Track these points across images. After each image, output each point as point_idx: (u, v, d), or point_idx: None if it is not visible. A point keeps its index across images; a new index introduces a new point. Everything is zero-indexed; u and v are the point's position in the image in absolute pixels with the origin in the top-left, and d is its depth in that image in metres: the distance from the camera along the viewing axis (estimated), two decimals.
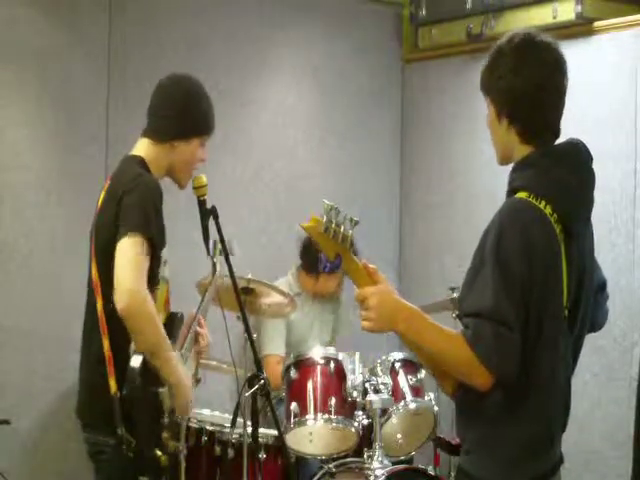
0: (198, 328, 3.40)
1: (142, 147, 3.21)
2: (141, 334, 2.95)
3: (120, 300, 2.89)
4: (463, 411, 2.48)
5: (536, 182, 2.40)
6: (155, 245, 3.01)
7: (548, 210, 2.38)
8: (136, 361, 2.98)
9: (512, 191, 2.44)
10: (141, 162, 3.16)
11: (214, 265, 3.57)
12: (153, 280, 3.07)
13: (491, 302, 2.31)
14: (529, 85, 2.44)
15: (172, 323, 3.22)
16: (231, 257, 3.35)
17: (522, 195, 2.39)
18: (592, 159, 2.51)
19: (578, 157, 2.49)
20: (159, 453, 3.02)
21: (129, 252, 2.93)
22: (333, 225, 2.31)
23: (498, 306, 2.31)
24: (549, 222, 2.38)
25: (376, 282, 2.41)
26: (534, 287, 2.34)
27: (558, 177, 2.42)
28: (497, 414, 2.39)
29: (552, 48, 2.47)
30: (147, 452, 3.00)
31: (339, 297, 5.05)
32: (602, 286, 2.64)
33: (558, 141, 2.51)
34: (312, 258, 4.73)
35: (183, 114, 3.21)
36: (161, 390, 3.05)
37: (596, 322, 2.63)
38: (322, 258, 2.35)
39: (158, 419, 3.05)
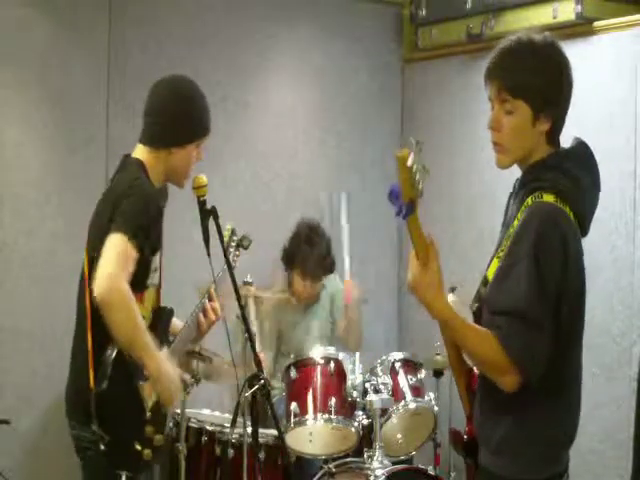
0: (207, 303, 3.42)
1: (140, 153, 3.21)
2: (117, 322, 2.94)
3: (98, 286, 2.90)
4: (489, 410, 2.51)
5: (560, 185, 2.43)
6: (143, 252, 3.02)
7: (571, 215, 2.42)
8: (111, 354, 2.98)
9: (534, 190, 2.45)
10: (141, 165, 3.17)
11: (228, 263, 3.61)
12: (140, 286, 3.07)
13: (525, 302, 2.34)
14: (569, 86, 2.51)
15: (160, 316, 3.23)
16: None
17: (549, 199, 2.41)
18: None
19: (590, 157, 2.54)
20: (139, 447, 3.02)
21: (114, 247, 2.94)
22: (416, 164, 2.26)
23: (531, 306, 2.34)
24: (575, 227, 2.43)
25: (428, 254, 2.37)
26: (567, 292, 2.38)
27: (576, 179, 2.46)
28: (528, 413, 2.44)
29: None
30: (125, 446, 3.00)
31: (320, 299, 5.02)
32: None
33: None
34: (294, 252, 4.82)
35: (177, 121, 3.20)
36: (141, 383, 3.05)
37: None
38: (396, 202, 2.29)
39: (139, 413, 3.05)
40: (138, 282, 3.04)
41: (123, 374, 3.00)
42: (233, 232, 3.76)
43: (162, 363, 3.05)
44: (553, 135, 2.51)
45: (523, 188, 2.51)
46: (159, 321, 3.21)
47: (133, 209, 3.01)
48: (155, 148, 3.19)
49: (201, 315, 3.44)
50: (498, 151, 2.53)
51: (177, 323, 3.42)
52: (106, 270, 2.91)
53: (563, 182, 2.43)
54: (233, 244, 3.74)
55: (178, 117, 3.20)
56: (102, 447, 2.95)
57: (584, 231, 2.50)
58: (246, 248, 3.78)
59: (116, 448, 2.98)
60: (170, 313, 3.30)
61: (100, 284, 2.90)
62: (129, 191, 3.05)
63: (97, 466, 3.04)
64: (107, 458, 2.97)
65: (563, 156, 2.50)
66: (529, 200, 2.44)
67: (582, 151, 2.54)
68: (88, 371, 3.00)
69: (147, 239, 3.04)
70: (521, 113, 2.47)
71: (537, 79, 2.46)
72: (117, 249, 2.94)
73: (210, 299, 3.45)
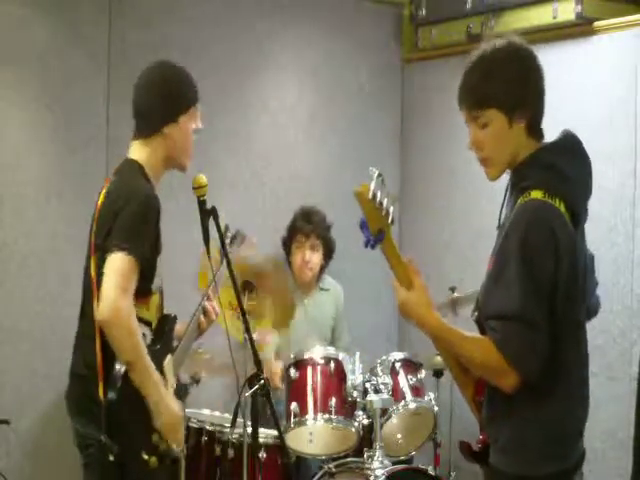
0: (206, 303, 3.45)
1: (136, 151, 3.20)
2: (120, 347, 2.97)
3: (102, 311, 2.93)
4: (496, 410, 2.53)
5: (548, 180, 2.45)
6: (145, 258, 3.02)
7: (562, 208, 2.43)
8: (120, 369, 2.99)
9: (523, 189, 2.47)
10: (140, 169, 3.16)
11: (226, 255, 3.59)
12: (145, 292, 3.09)
13: (518, 303, 2.35)
14: (534, 74, 2.53)
15: (165, 324, 3.23)
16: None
17: (537, 195, 2.43)
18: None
19: (576, 147, 2.56)
20: (146, 457, 3.03)
21: (116, 268, 2.96)
22: (379, 194, 2.28)
23: (525, 307, 2.35)
24: (566, 220, 2.43)
25: (411, 279, 2.42)
26: (561, 286, 2.39)
27: (565, 171, 2.47)
28: (532, 411, 2.45)
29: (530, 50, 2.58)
30: (132, 457, 3.00)
31: (317, 286, 5.00)
32: (591, 260, 2.67)
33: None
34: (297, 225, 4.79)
35: (162, 98, 3.19)
36: None
37: (591, 308, 2.68)
38: (365, 233, 2.32)
39: (146, 422, 3.05)
40: (144, 288, 3.06)
41: (132, 385, 3.00)
42: (227, 228, 3.76)
43: (164, 395, 3.06)
44: (533, 128, 2.53)
45: (513, 190, 2.54)
46: (163, 330, 3.21)
47: (131, 220, 3.01)
48: (147, 137, 3.18)
49: (202, 316, 3.46)
50: (485, 165, 2.60)
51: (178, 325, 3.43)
52: (108, 293, 2.93)
53: (548, 176, 2.45)
54: (227, 241, 3.73)
55: (162, 93, 3.20)
56: (111, 458, 2.96)
57: (579, 219, 2.50)
58: (239, 246, 3.77)
59: (124, 458, 2.98)
60: (174, 321, 3.28)
61: (104, 311, 2.93)
62: (128, 200, 3.03)
63: (100, 466, 3.03)
64: (118, 465, 2.98)
65: (546, 150, 2.52)
66: (519, 201, 2.46)
67: (568, 142, 2.55)
68: (96, 378, 3.00)
69: (147, 246, 3.04)
70: (496, 122, 2.51)
71: (497, 82, 2.50)
72: (118, 269, 2.95)
73: (209, 299, 3.47)
